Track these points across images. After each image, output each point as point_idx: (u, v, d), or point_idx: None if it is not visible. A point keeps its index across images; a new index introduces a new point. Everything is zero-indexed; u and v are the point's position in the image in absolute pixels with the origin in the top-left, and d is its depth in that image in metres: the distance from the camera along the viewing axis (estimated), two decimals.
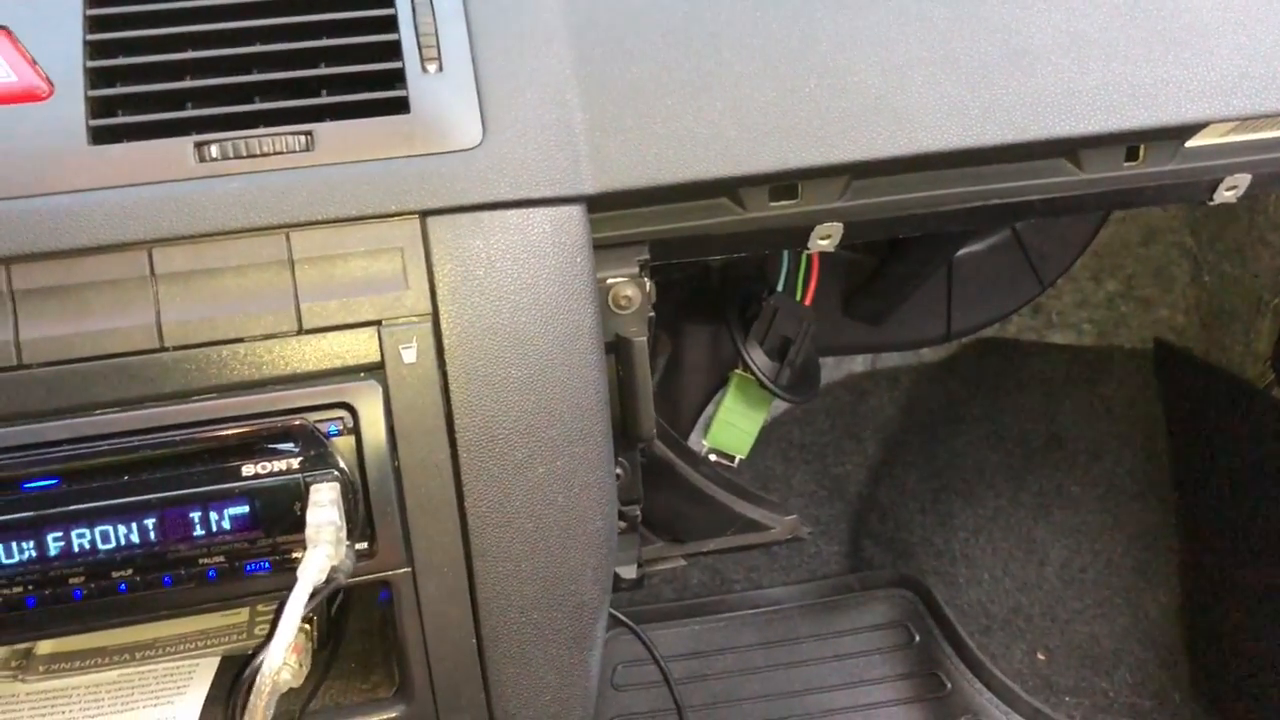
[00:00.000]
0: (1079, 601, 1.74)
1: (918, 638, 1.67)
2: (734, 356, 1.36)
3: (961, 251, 1.54)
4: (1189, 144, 0.90)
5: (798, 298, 1.34)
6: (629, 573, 1.11)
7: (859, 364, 1.99)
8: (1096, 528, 1.80)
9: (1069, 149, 0.87)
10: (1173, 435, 1.84)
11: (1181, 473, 1.81)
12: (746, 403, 1.38)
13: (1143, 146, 0.89)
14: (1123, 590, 1.74)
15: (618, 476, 1.05)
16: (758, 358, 1.31)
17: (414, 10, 0.78)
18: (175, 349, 0.71)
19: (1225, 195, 0.97)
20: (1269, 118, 0.85)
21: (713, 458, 1.40)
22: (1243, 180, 0.95)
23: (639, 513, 1.06)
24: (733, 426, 1.38)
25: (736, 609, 1.71)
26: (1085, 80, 0.82)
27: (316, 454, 0.72)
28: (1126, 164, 0.89)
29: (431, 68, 0.76)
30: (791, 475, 1.90)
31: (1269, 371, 1.62)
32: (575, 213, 0.77)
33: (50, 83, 0.73)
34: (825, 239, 0.92)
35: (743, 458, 1.41)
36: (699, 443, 1.43)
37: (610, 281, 0.86)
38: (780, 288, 1.33)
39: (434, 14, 0.78)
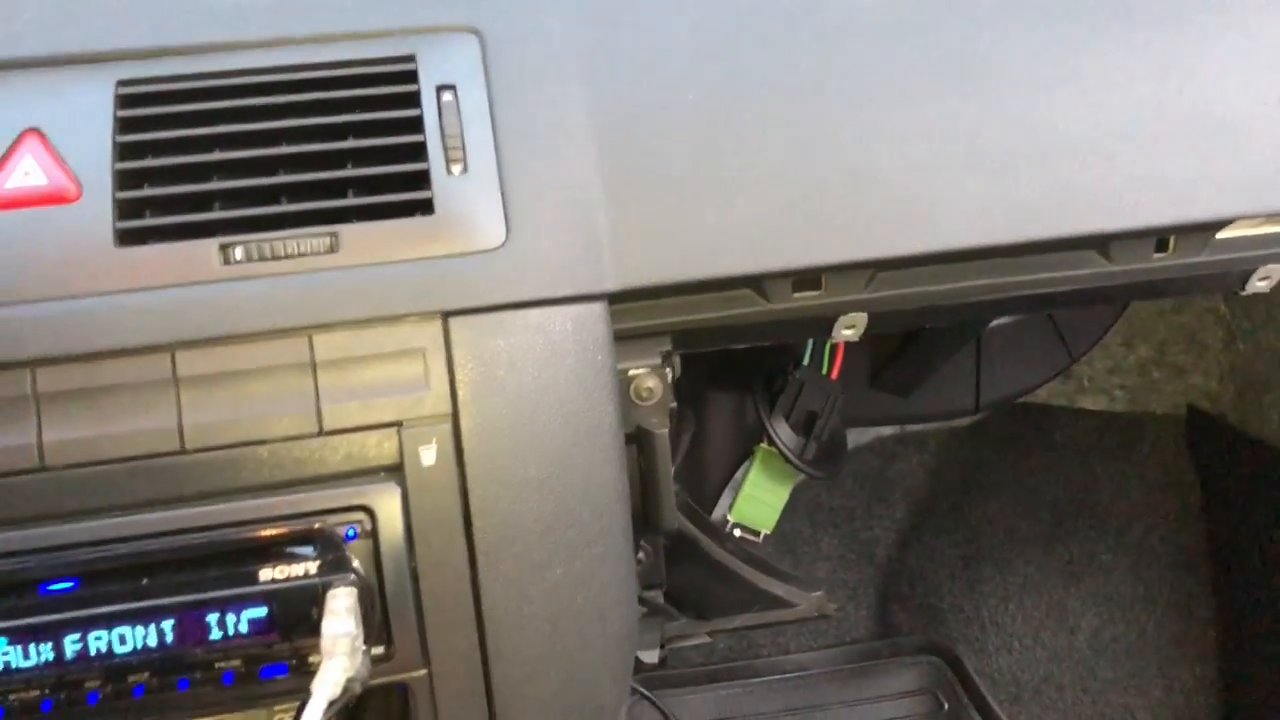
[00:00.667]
0: (1112, 671, 1.71)
1: (947, 706, 1.64)
2: (759, 428, 1.35)
3: (991, 324, 1.53)
4: (1221, 235, 0.89)
5: (824, 371, 1.33)
6: (650, 656, 1.10)
7: (887, 427, 1.97)
8: (1129, 597, 1.77)
9: (1098, 243, 0.86)
10: (1207, 504, 1.81)
11: (1217, 542, 1.78)
12: (771, 477, 1.37)
13: (1173, 238, 0.88)
14: (1157, 661, 1.71)
15: (639, 561, 1.04)
16: (783, 432, 1.30)
17: (440, 111, 0.78)
18: (196, 451, 0.71)
19: (1258, 286, 0.95)
20: None
21: (737, 532, 1.39)
22: (1275, 271, 0.94)
23: (662, 597, 1.05)
24: (758, 501, 1.37)
25: (763, 675, 1.69)
26: (1114, 176, 0.81)
27: (334, 558, 0.72)
28: (1156, 255, 0.88)
29: (456, 169, 0.76)
30: (819, 539, 1.89)
31: None
32: (597, 309, 0.77)
33: (79, 184, 0.74)
34: (850, 329, 0.91)
35: (768, 532, 1.40)
36: (724, 515, 1.42)
37: (632, 373, 0.86)
38: (806, 361, 1.33)
39: (460, 115, 0.78)
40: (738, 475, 1.47)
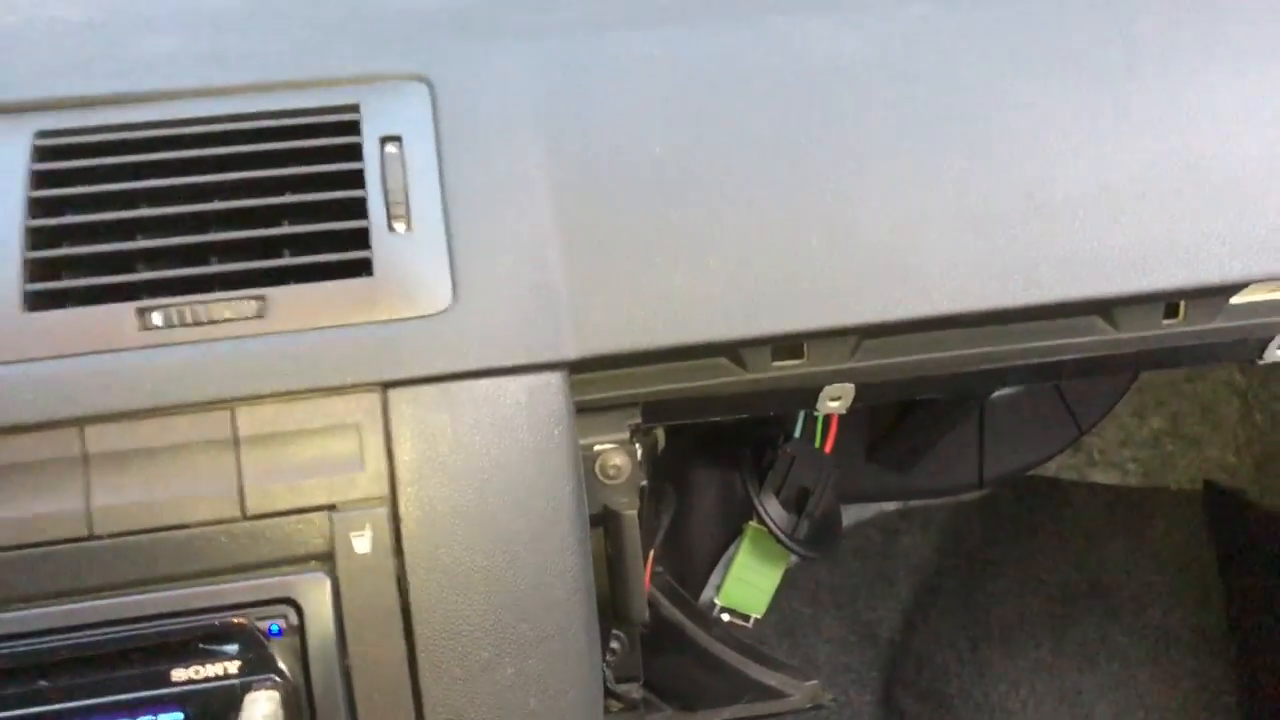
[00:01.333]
0: None
1: None
2: (748, 503, 1.29)
3: (994, 394, 1.47)
4: (1235, 300, 0.83)
5: (817, 444, 1.27)
6: None
7: (890, 502, 1.92)
8: (1146, 681, 1.70)
9: (1102, 308, 0.80)
10: (1226, 583, 1.75)
11: (1238, 623, 1.71)
12: (762, 558, 1.31)
13: (1183, 303, 0.82)
14: None
15: (613, 651, 0.97)
16: (773, 510, 1.23)
17: (383, 165, 0.73)
18: (105, 537, 0.65)
19: (1277, 355, 0.89)
20: None
21: (725, 617, 1.32)
22: None
23: (639, 690, 0.97)
24: (747, 584, 1.31)
25: None
26: (1116, 236, 0.76)
27: (256, 656, 0.65)
28: (1166, 321, 0.83)
29: (400, 226, 0.71)
30: (820, 619, 1.83)
31: None
32: (554, 380, 0.71)
33: None
34: (835, 401, 0.85)
35: (758, 616, 1.33)
36: (713, 596, 1.36)
37: (598, 449, 0.80)
38: (798, 433, 1.27)
39: (405, 168, 0.73)
40: (730, 551, 1.41)
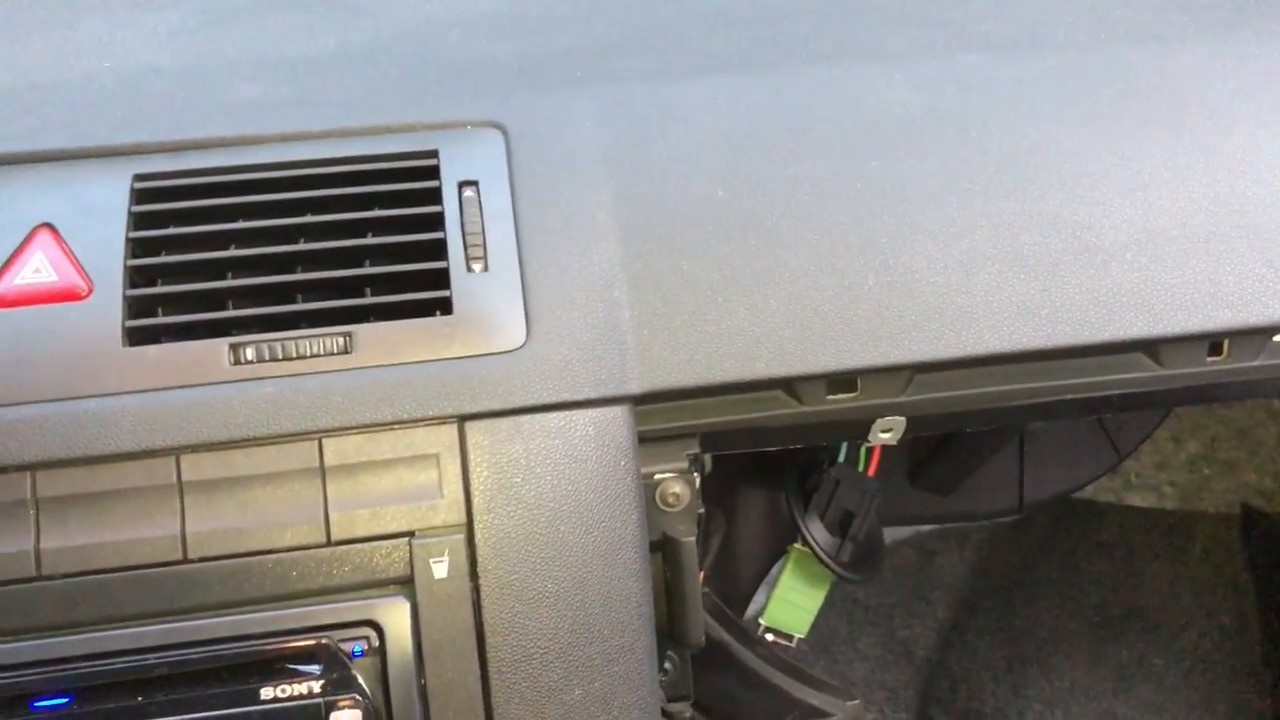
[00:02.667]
0: None
1: None
2: (793, 525, 1.31)
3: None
4: (1277, 338, 0.84)
5: (861, 468, 1.29)
6: None
7: (931, 524, 1.92)
8: (1183, 705, 1.69)
9: (1148, 346, 0.82)
10: (1263, 608, 1.74)
11: (1274, 649, 1.71)
12: (806, 580, 1.32)
13: (1227, 342, 0.84)
14: None
15: (665, 672, 1.00)
16: (817, 533, 1.25)
17: (461, 208, 0.76)
18: (198, 561, 0.69)
19: None
20: None
21: (769, 637, 1.34)
22: None
23: (689, 710, 1.00)
24: (791, 605, 1.32)
25: None
26: (1162, 279, 0.78)
27: (339, 676, 0.68)
28: (1210, 359, 0.84)
29: (477, 267, 0.74)
30: (856, 637, 1.83)
31: None
32: (620, 413, 0.74)
33: (90, 281, 0.72)
34: (887, 432, 0.88)
35: (802, 636, 1.34)
36: (757, 613, 1.37)
37: (658, 477, 0.82)
38: (842, 457, 1.28)
39: (481, 212, 0.76)
40: (773, 571, 1.42)
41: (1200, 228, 0.79)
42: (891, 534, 1.87)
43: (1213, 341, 0.83)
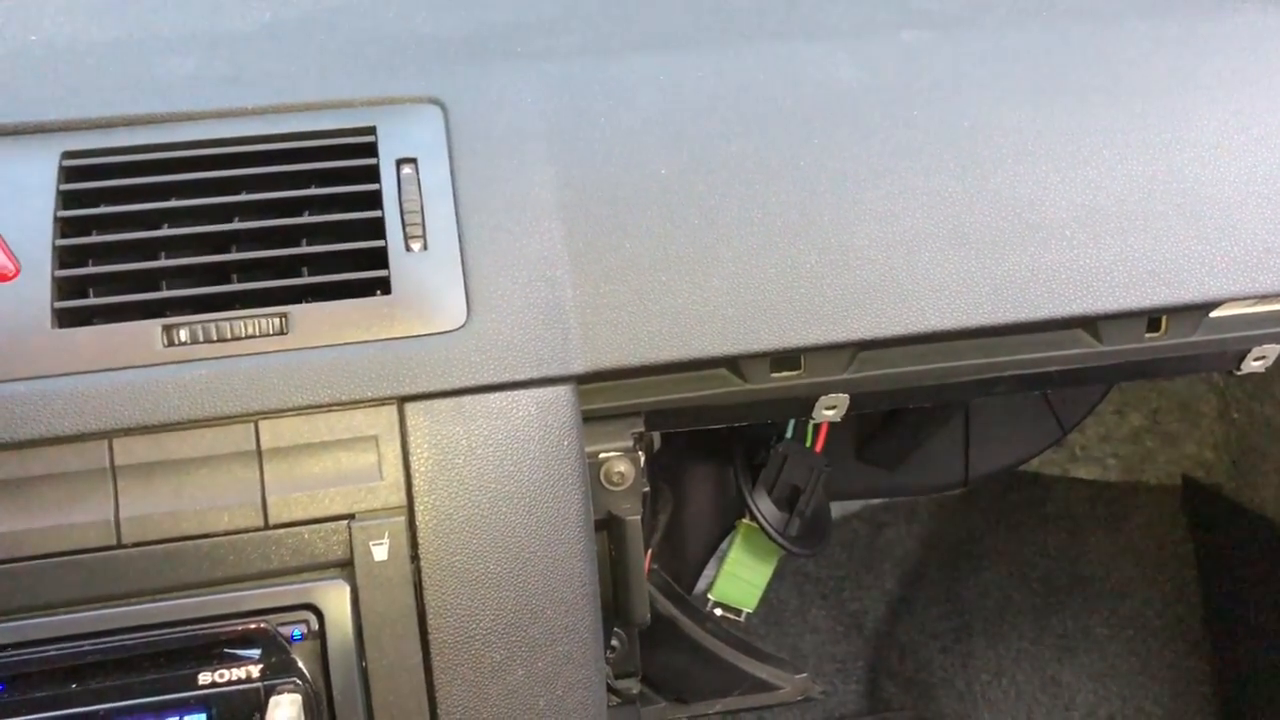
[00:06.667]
0: None
1: None
2: (741, 501, 1.31)
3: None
4: (1214, 314, 0.86)
5: (808, 444, 1.29)
6: None
7: (879, 499, 1.94)
8: (1125, 671, 1.73)
9: (1087, 323, 0.83)
10: (1203, 576, 1.78)
11: (1214, 616, 1.74)
12: (754, 554, 1.33)
13: (1165, 318, 0.85)
14: None
15: (613, 649, 1.00)
16: (765, 507, 1.26)
17: (399, 187, 0.75)
18: (133, 546, 0.68)
19: (1253, 365, 0.92)
20: None
21: (718, 612, 1.35)
22: (1272, 351, 0.91)
23: (637, 687, 1.00)
24: (739, 579, 1.33)
25: None
26: (1101, 256, 0.79)
27: (278, 661, 0.68)
28: (1148, 335, 0.85)
29: (416, 246, 0.73)
30: (807, 610, 1.85)
31: None
32: (563, 393, 0.74)
33: (16, 262, 0.70)
34: (831, 409, 0.88)
35: (750, 611, 1.35)
36: (706, 589, 1.38)
37: (602, 456, 0.82)
38: (790, 434, 1.29)
39: (420, 190, 0.75)
40: (723, 546, 1.43)
41: (1138, 205, 0.80)
42: (841, 508, 1.88)
43: (1151, 318, 0.85)
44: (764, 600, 1.74)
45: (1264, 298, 0.83)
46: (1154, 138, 0.82)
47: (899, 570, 1.89)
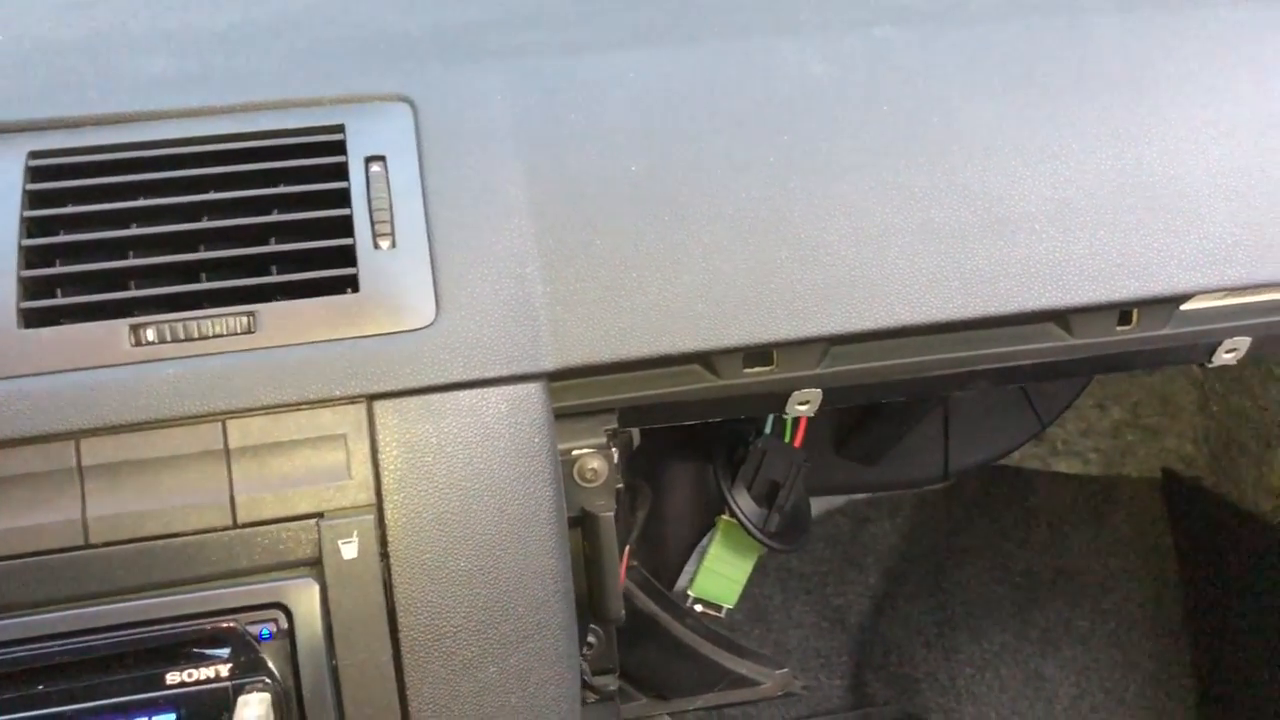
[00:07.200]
0: None
1: None
2: (721, 497, 1.31)
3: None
4: (1185, 307, 0.86)
5: (787, 439, 1.29)
6: None
7: (859, 493, 1.94)
8: (1108, 664, 1.74)
9: (1058, 317, 0.83)
10: (1184, 569, 1.79)
11: (1195, 609, 1.75)
12: (734, 550, 1.33)
13: (1136, 311, 0.85)
14: None
15: (590, 645, 1.00)
16: (744, 503, 1.26)
17: (368, 184, 0.75)
18: (101, 546, 0.67)
19: (1225, 358, 0.92)
20: (1264, 287, 0.82)
21: (698, 608, 1.35)
22: (1242, 343, 0.91)
23: (615, 683, 1.00)
24: (719, 575, 1.33)
25: None
26: (1071, 250, 0.79)
27: (247, 660, 0.67)
28: (1119, 328, 0.86)
29: (384, 244, 0.73)
30: (790, 605, 1.85)
31: None
32: (534, 390, 0.73)
33: None
34: (804, 404, 0.88)
35: (730, 607, 1.35)
36: (684, 589, 1.38)
37: (576, 453, 0.82)
38: (769, 429, 1.29)
39: (389, 187, 0.75)
40: (703, 542, 1.43)
41: (1108, 199, 0.80)
42: (824, 503, 1.89)
43: (1122, 311, 0.85)
44: (748, 596, 1.74)
45: (1233, 290, 0.84)
46: (1122, 131, 0.82)
47: (882, 565, 1.89)
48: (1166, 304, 0.84)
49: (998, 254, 0.78)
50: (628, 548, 1.12)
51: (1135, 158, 0.81)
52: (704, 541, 1.40)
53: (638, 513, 1.23)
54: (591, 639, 1.00)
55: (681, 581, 1.45)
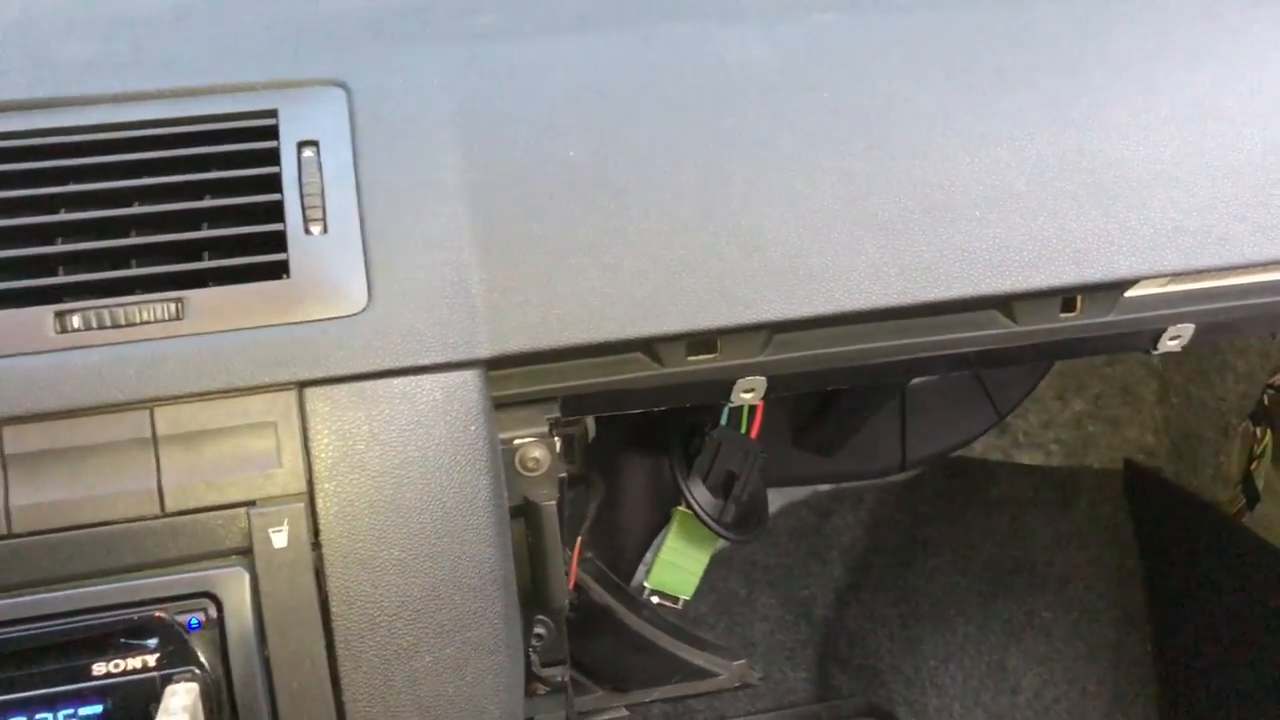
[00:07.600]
0: None
1: None
2: (677, 490, 1.31)
3: (915, 380, 1.50)
4: (1128, 294, 0.86)
5: (743, 430, 1.29)
6: None
7: (816, 484, 1.94)
8: (1070, 655, 1.75)
9: (1000, 303, 0.83)
10: (1145, 559, 1.79)
11: (1156, 598, 1.76)
12: (690, 542, 1.33)
13: (1080, 298, 0.85)
14: None
15: (539, 637, 0.99)
16: (700, 494, 1.26)
17: (299, 169, 0.74)
18: (25, 535, 0.66)
19: (1169, 345, 0.93)
20: (1204, 272, 0.82)
21: (655, 600, 1.34)
22: (1186, 330, 0.91)
23: (565, 675, 1.00)
24: (676, 567, 1.32)
25: None
26: (1011, 236, 0.79)
27: (175, 650, 0.66)
28: (1063, 315, 0.86)
29: (315, 229, 0.72)
30: (755, 598, 1.85)
31: (1239, 496, 1.58)
32: (470, 377, 0.73)
33: None
34: (749, 393, 0.88)
35: (687, 599, 1.35)
36: (641, 582, 1.38)
37: (517, 442, 0.81)
38: (725, 420, 1.29)
39: (321, 173, 0.74)
40: (660, 536, 1.43)
41: (1048, 184, 0.80)
42: (787, 495, 1.89)
43: (1065, 297, 0.85)
44: (713, 589, 1.74)
45: (1175, 276, 0.84)
46: (1063, 117, 0.82)
47: (846, 558, 1.90)
48: (1110, 291, 0.84)
49: (938, 240, 0.78)
50: (580, 539, 1.12)
51: (1076, 144, 0.81)
52: (661, 534, 1.40)
53: (590, 503, 1.23)
54: (541, 630, 1.00)
55: (639, 577, 1.45)
